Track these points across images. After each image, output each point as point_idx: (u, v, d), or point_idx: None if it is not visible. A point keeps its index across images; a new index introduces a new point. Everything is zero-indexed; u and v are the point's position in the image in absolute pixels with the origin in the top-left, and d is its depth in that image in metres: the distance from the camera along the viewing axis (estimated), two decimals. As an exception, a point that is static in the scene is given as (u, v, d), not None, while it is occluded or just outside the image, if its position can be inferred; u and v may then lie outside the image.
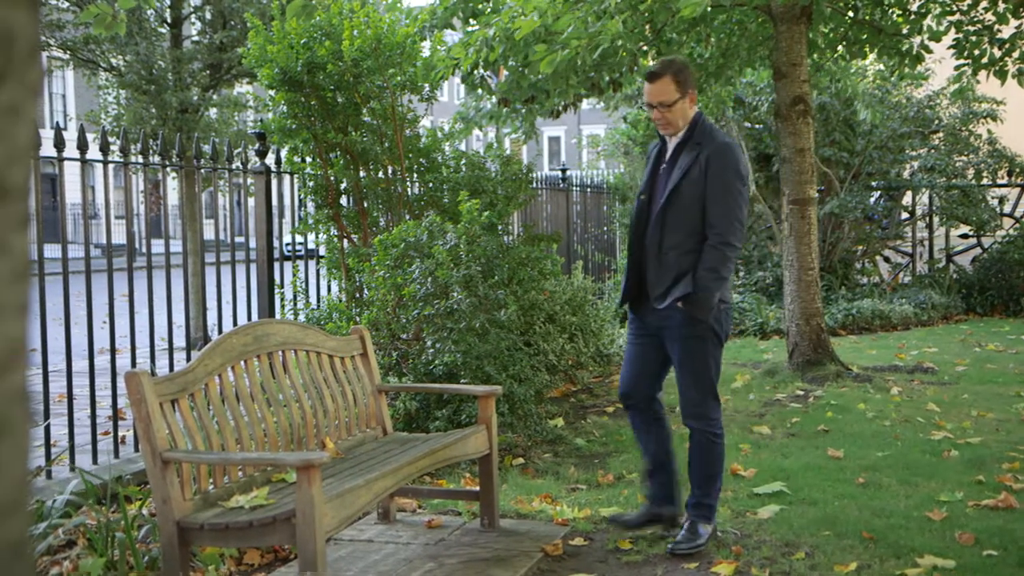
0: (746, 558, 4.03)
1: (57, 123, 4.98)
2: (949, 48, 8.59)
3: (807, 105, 8.05)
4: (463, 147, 8.27)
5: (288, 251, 7.04)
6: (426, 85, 6.84)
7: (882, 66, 11.73)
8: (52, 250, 18.62)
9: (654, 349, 4.24)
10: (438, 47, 7.27)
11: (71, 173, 25.40)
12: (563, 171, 11.95)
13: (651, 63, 8.86)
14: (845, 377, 7.87)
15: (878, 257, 13.73)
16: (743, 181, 4.07)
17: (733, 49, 8.94)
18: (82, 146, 4.89)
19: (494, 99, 8.84)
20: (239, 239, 7.47)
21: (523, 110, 8.69)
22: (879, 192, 13.25)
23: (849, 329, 11.09)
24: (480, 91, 8.64)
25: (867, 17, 8.56)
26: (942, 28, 8.59)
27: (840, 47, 8.98)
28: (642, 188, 4.27)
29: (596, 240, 12.84)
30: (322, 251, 6.98)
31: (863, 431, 6.23)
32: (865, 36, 8.70)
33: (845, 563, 3.92)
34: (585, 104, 9.83)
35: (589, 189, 12.81)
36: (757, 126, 12.78)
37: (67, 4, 10.54)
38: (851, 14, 8.65)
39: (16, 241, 0.61)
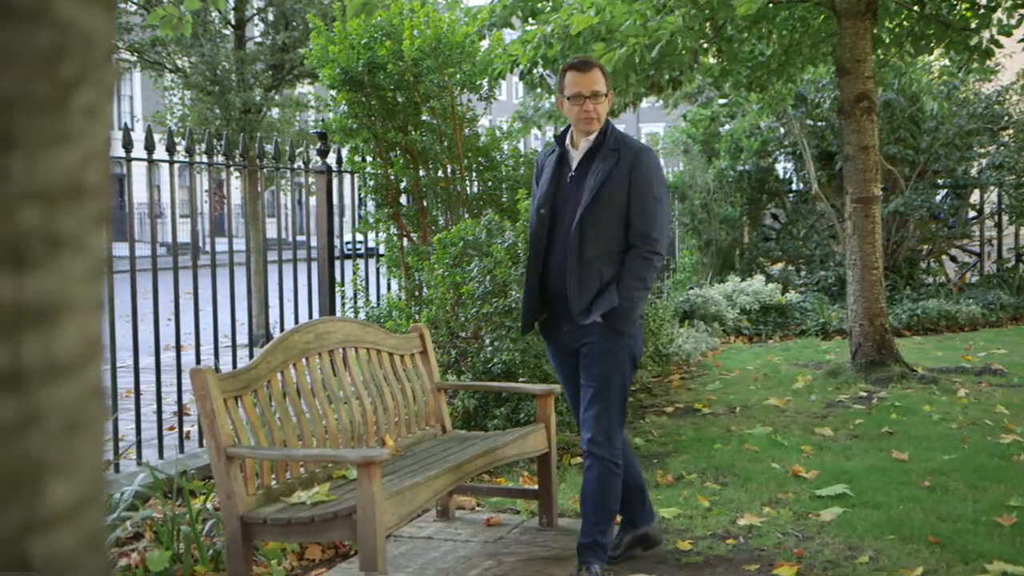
0: (808, 561, 3.98)
1: (125, 124, 5.08)
2: (1020, 42, 8.39)
3: (871, 102, 7.92)
4: (521, 146, 8.28)
5: (348, 250, 7.10)
6: (484, 83, 6.86)
7: (948, 61, 11.49)
8: (119, 248, 19.02)
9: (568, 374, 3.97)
10: (497, 46, 7.28)
11: (138, 173, 25.94)
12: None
13: (711, 60, 8.80)
14: (910, 378, 7.73)
15: (944, 256, 13.46)
16: (666, 188, 3.92)
17: (795, 46, 8.82)
18: (149, 146, 4.98)
19: (553, 98, 8.83)
20: (300, 238, 7.57)
21: (582, 109, 8.66)
22: (945, 190, 12.98)
23: (914, 330, 10.89)
24: (539, 90, 8.64)
25: (934, 12, 8.39)
26: (1013, 22, 8.39)
27: (906, 43, 8.81)
28: (540, 201, 3.89)
29: (655, 239, 12.77)
30: (382, 249, 7.03)
31: (929, 434, 6.11)
32: (932, 31, 8.53)
33: (911, 568, 3.85)
34: (644, 103, 9.77)
35: (648, 188, 12.75)
36: (819, 123, 12.60)
37: (135, 7, 10.76)
38: (917, 9, 8.48)
39: (93, 240, 0.62)
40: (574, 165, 3.89)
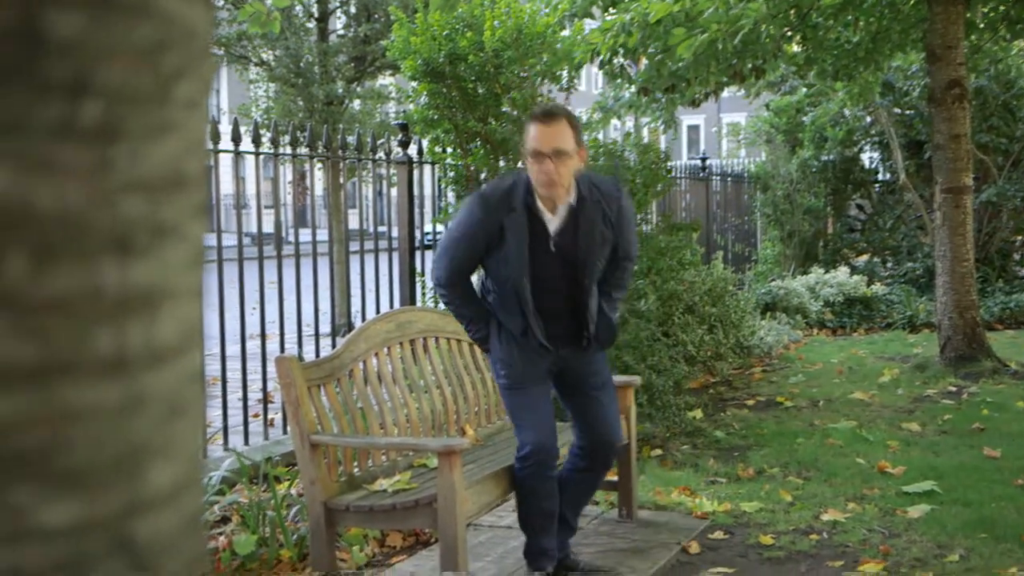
0: (895, 558, 3.89)
1: (212, 116, 5.20)
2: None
3: (963, 89, 7.69)
4: (601, 137, 8.23)
5: (428, 241, 7.15)
6: (565, 73, 6.84)
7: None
8: (206, 239, 19.41)
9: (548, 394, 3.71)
10: (577, 36, 7.25)
11: (224, 165, 26.42)
12: (703, 160, 11.77)
13: (795, 48, 8.63)
14: (1002, 373, 7.50)
15: (1039, 248, 13.01)
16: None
17: (884, 32, 8.61)
18: (236, 138, 5.08)
19: (633, 88, 8.76)
20: (381, 229, 7.67)
21: (663, 99, 8.59)
22: (1041, 179, 12.55)
23: (1006, 323, 10.56)
24: (619, 80, 8.58)
25: (1030, -6, 8.11)
26: (1114, 4, 8.07)
27: (1000, 27, 8.54)
28: (515, 273, 3.42)
29: (736, 230, 12.60)
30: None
31: (1022, 430, 5.93)
32: (1028, 15, 8.25)
33: (1004, 567, 3.74)
34: (725, 92, 9.64)
35: (729, 178, 12.58)
36: (908, 112, 12.28)
37: (221, 2, 10.97)
38: (1012, -8, 8.21)
39: (193, 229, 0.63)
40: (552, 230, 3.45)
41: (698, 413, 6.37)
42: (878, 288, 11.36)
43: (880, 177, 13.43)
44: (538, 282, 3.46)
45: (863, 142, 13.23)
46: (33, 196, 0.52)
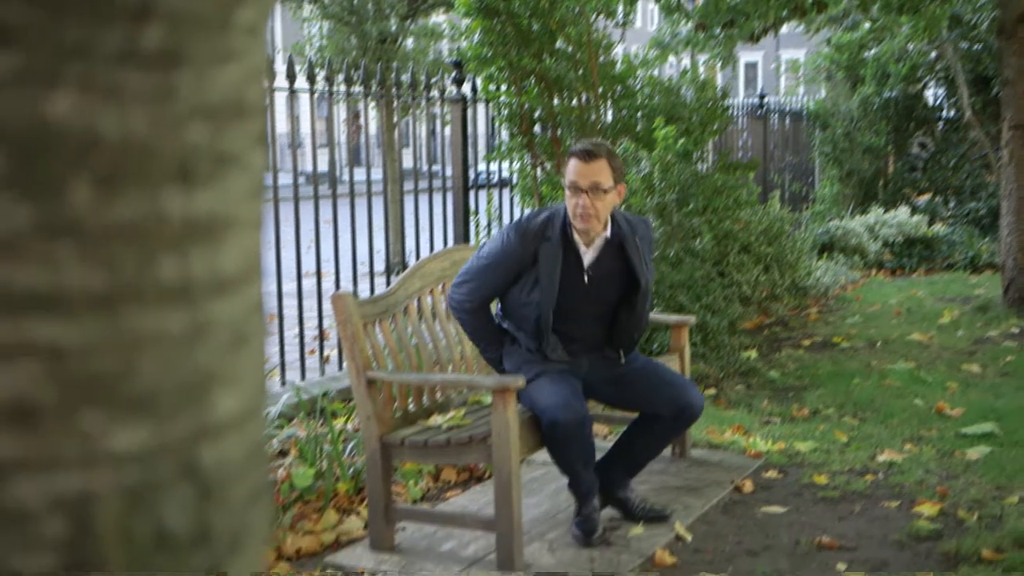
0: (952, 499, 3.86)
1: (267, 55, 5.20)
2: None
3: (1034, 21, 7.43)
4: (657, 73, 8.11)
5: (482, 180, 7.14)
6: (620, 8, 6.72)
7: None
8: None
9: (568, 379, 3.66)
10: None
11: (279, 104, 26.57)
12: (761, 97, 11.55)
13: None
14: (1067, 315, 7.34)
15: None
16: None
17: (952, -38, 8.32)
18: (291, 76, 5.07)
19: (690, 23, 8.59)
20: (435, 168, 7.68)
21: (721, 35, 8.41)
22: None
23: (1072, 264, 10.31)
24: (676, 15, 8.42)
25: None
26: None
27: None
28: (544, 301, 3.50)
29: (794, 169, 12.39)
30: (515, 179, 7.04)
31: (1086, 373, 5.82)
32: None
33: (1062, 511, 3.70)
34: (785, 28, 9.41)
35: (788, 116, 12.34)
36: (976, 46, 11.91)
37: (274, -61, 10.92)
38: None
39: (253, 158, 0.63)
40: (587, 263, 3.57)
41: (752, 353, 6.34)
42: (939, 228, 11.13)
43: (944, 114, 13.09)
44: (565, 312, 3.57)
45: (927, 78, 12.88)
46: (97, 122, 0.51)
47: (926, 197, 12.61)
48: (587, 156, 3.47)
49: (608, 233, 3.57)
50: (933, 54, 12.45)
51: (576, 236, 3.56)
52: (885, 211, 11.22)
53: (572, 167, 3.49)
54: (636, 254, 3.60)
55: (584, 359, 3.73)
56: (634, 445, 3.73)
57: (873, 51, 12.41)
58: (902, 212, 11.07)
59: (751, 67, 51.38)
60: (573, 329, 3.65)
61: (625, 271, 3.62)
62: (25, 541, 0.52)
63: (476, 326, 3.69)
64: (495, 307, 3.83)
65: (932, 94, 13.31)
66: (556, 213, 3.57)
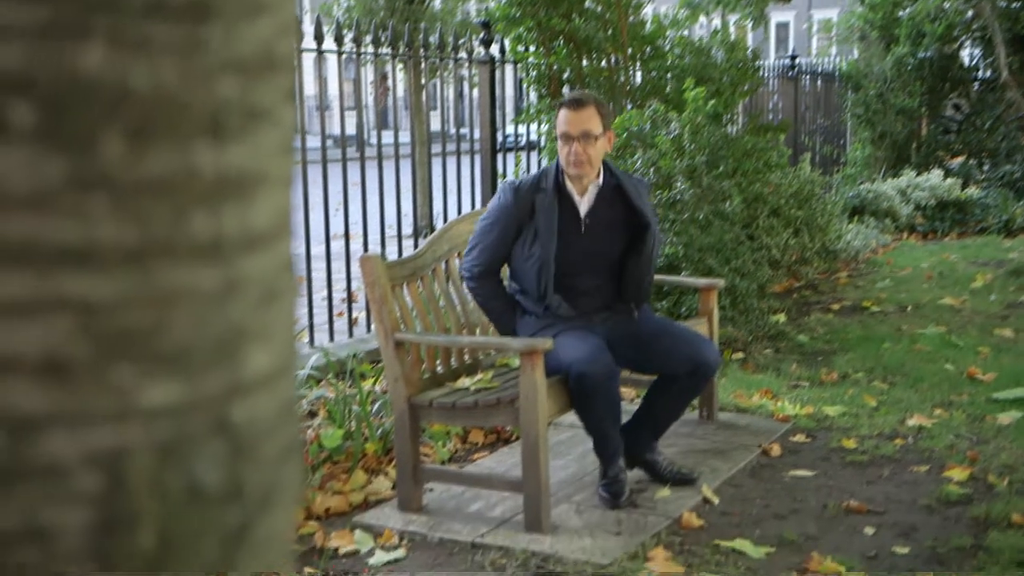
0: (982, 464, 3.84)
1: (295, 15, 5.17)
2: None
3: (1075, -21, 7.27)
4: (687, 34, 8.02)
5: (510, 143, 7.10)
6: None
7: None
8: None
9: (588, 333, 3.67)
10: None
11: (306, 66, 26.48)
12: (792, 58, 11.40)
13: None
14: (1102, 280, 7.25)
15: None
16: None
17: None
18: (318, 37, 5.05)
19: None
20: (463, 130, 7.64)
21: (752, -7, 8.29)
22: None
23: (1109, 228, 10.16)
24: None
25: None
26: None
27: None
28: (543, 250, 3.56)
29: (825, 131, 12.24)
30: (543, 142, 7.00)
31: (1121, 339, 5.75)
32: None
33: (1094, 477, 3.67)
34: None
35: (819, 77, 12.17)
36: (1014, 4, 11.67)
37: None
38: None
39: (284, 113, 0.62)
40: (583, 211, 3.66)
41: (781, 317, 6.30)
42: (973, 191, 10.98)
43: (980, 75, 12.86)
44: (567, 264, 3.62)
45: (963, 38, 12.64)
46: (127, 75, 0.51)
47: (960, 160, 12.43)
48: (576, 104, 3.61)
49: (600, 180, 3.68)
50: (970, 13, 12.21)
51: (570, 186, 3.67)
52: (917, 174, 11.07)
53: (562, 117, 3.62)
54: (637, 196, 3.69)
55: (596, 317, 3.73)
56: (655, 406, 3.73)
57: (908, 10, 12.19)
58: (935, 175, 10.92)
59: (782, 27, 50.69)
60: (578, 282, 3.68)
61: (625, 217, 3.69)
62: (59, 496, 0.52)
63: (486, 294, 3.72)
64: (508, 283, 3.85)
65: (968, 54, 13.07)
66: (548, 169, 3.72)
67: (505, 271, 3.84)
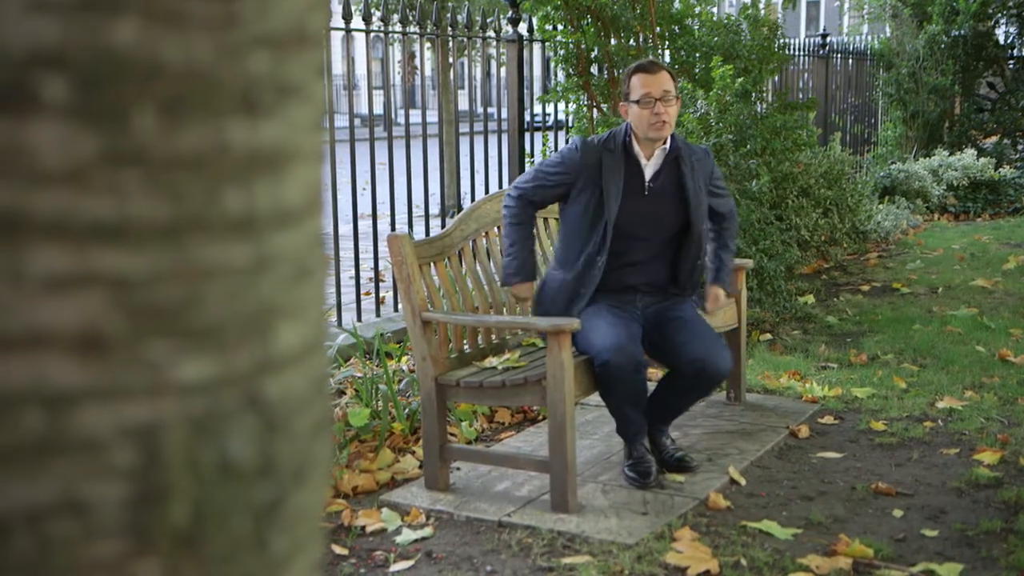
0: (1013, 447, 3.80)
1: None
2: None
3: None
4: (715, 11, 7.94)
5: (538, 122, 7.08)
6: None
7: None
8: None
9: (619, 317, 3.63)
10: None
11: (334, 45, 26.45)
12: (823, 36, 11.27)
13: None
14: None
15: None
16: None
17: None
18: (347, 16, 5.05)
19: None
20: (490, 110, 7.64)
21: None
22: None
23: None
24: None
25: None
26: None
27: None
28: (609, 209, 3.57)
29: (856, 110, 12.11)
30: (571, 121, 6.97)
31: None
32: None
33: None
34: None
35: (851, 56, 12.03)
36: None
37: None
38: None
39: (315, 88, 0.62)
40: (648, 175, 3.67)
41: (810, 298, 6.26)
42: (1007, 171, 10.84)
43: (1015, 52, 12.65)
44: (626, 226, 3.61)
45: (998, 15, 12.44)
46: (160, 50, 0.51)
47: (993, 139, 12.26)
48: (653, 67, 3.66)
49: (667, 146, 3.68)
50: (1004, -9, 12.02)
51: (638, 148, 3.66)
52: (950, 154, 10.94)
53: (640, 80, 3.62)
54: (689, 172, 3.70)
55: (638, 296, 3.69)
56: (662, 395, 3.70)
57: (941, -12, 12.01)
58: (968, 155, 10.78)
59: (813, 5, 50.05)
60: (631, 249, 3.66)
61: (679, 191, 3.69)
62: (96, 469, 0.53)
63: (518, 216, 3.69)
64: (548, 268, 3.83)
65: (1003, 32, 12.85)
66: (616, 131, 3.72)
67: (549, 252, 3.82)
